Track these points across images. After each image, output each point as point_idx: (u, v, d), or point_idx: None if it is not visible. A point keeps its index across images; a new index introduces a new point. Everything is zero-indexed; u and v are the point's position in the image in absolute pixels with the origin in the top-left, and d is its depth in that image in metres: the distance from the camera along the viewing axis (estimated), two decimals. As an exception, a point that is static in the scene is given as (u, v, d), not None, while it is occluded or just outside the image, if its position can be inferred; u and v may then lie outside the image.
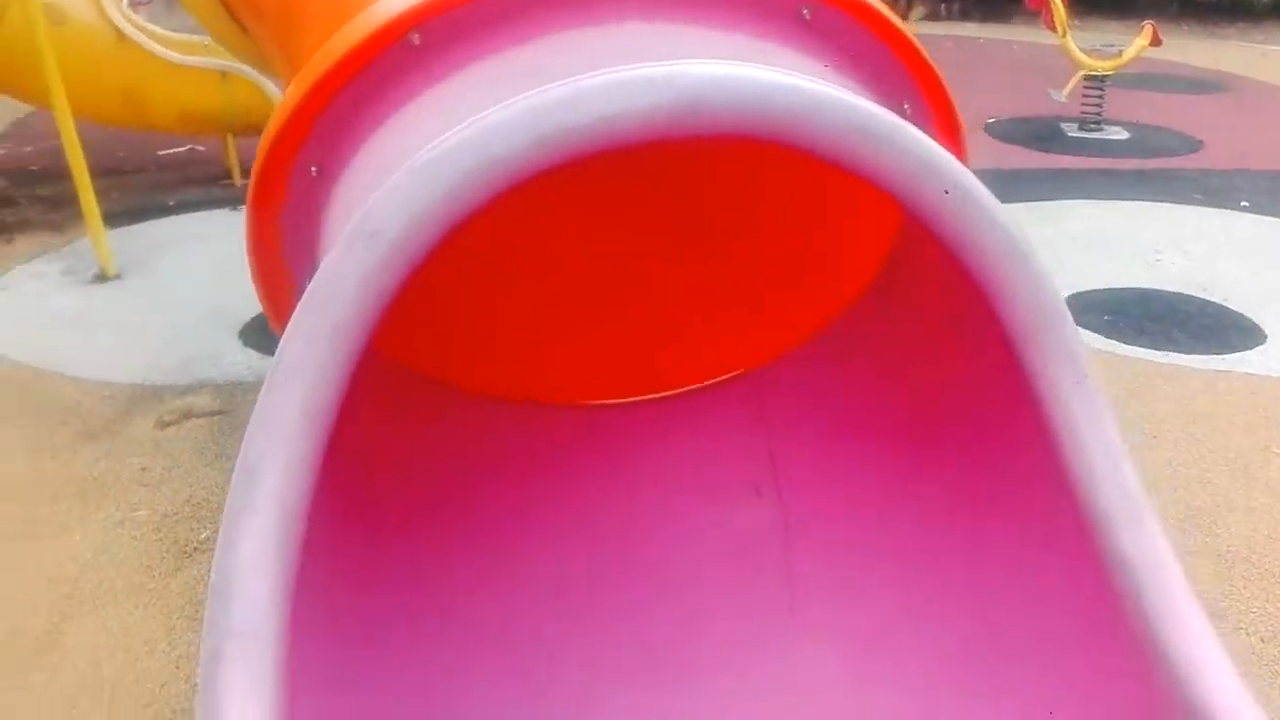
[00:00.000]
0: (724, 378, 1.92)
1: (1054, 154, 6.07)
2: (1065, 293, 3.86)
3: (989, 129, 6.63)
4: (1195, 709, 1.01)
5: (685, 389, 1.92)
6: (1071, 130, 6.56)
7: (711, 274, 1.93)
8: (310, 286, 1.09)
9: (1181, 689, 1.03)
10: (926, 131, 1.20)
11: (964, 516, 1.49)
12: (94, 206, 3.99)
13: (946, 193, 1.14)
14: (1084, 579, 1.20)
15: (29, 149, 5.69)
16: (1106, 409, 1.20)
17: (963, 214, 1.15)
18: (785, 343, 1.88)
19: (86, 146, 3.91)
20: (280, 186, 1.41)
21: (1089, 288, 3.97)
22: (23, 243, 4.44)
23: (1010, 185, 5.21)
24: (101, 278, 4.05)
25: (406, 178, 1.05)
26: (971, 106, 6.33)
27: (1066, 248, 4.41)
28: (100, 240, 4.09)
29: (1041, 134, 6.51)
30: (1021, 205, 4.94)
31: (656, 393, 1.91)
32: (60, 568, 2.37)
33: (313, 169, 1.40)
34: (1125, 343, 3.50)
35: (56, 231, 4.54)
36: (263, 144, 1.38)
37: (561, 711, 1.57)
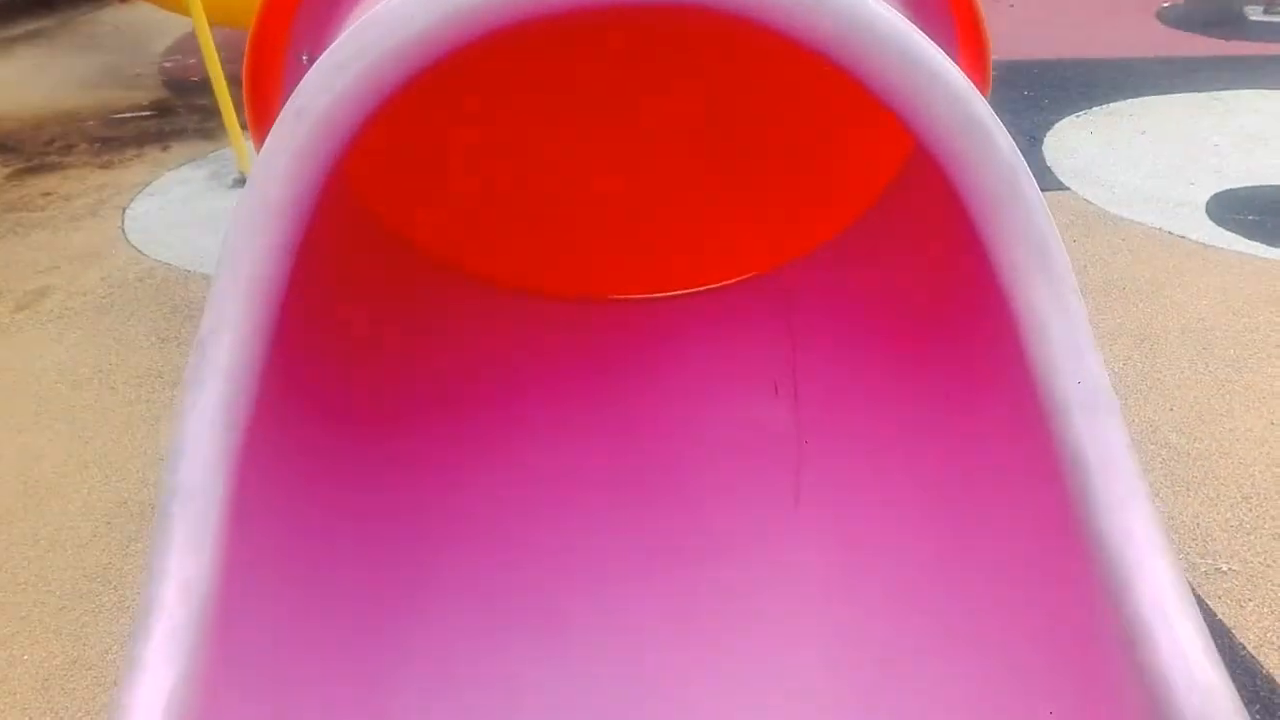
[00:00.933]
0: (748, 277, 1.89)
1: (1233, 40, 5.51)
2: (1212, 190, 3.56)
3: (1161, 15, 6.08)
4: (1128, 609, 0.96)
5: (711, 286, 1.90)
6: (1255, 13, 5.93)
7: (737, 174, 1.89)
8: (253, 166, 1.14)
9: (1116, 587, 0.97)
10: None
11: (962, 423, 1.43)
12: (232, 114, 4.21)
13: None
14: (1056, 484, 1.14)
15: (192, 61, 6.02)
16: (1073, 295, 1.12)
17: (907, 76, 1.08)
18: (808, 244, 1.84)
19: (234, 57, 4.12)
20: (275, 76, 1.46)
21: (1240, 185, 3.63)
22: (177, 150, 4.75)
23: (1179, 74, 4.79)
24: (240, 182, 4.31)
25: (327, 56, 1.07)
26: (1145, -10, 5.83)
27: (1227, 141, 4.04)
28: (240, 146, 4.32)
29: (1220, 19, 5.91)
30: (1184, 95, 4.54)
31: (681, 289, 1.90)
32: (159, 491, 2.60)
33: (304, 57, 1.44)
34: (1270, 244, 3.20)
35: (207, 139, 4.83)
36: (253, 34, 1.44)
37: (570, 603, 1.62)
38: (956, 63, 1.15)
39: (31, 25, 7.36)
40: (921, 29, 1.14)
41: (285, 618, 1.24)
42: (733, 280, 1.92)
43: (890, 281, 1.70)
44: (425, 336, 1.78)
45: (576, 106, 1.84)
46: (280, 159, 1.10)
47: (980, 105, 1.09)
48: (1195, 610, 0.94)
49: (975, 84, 1.16)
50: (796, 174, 1.86)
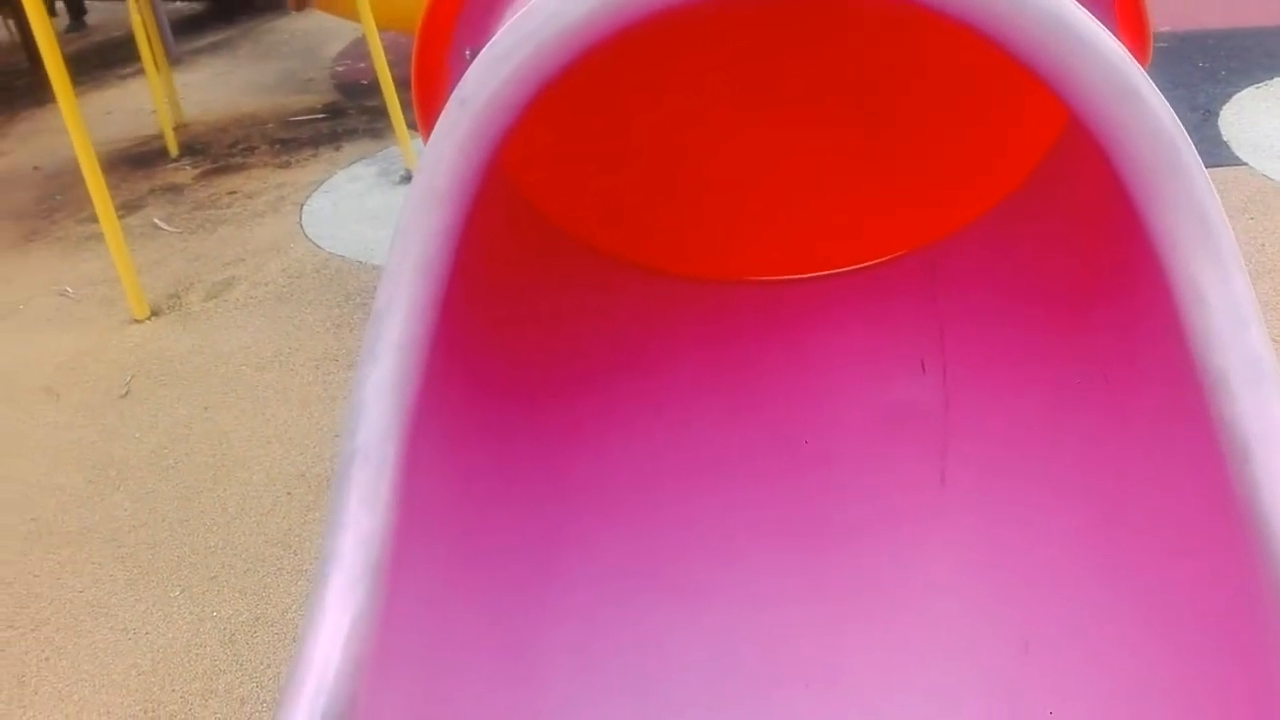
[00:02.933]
0: (895, 256, 1.88)
1: None
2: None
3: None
4: (1286, 586, 0.93)
5: (856, 266, 1.90)
6: None
7: (884, 151, 1.88)
8: (421, 155, 1.22)
9: (1275, 562, 0.94)
10: None
11: (1112, 401, 1.40)
12: (399, 113, 4.43)
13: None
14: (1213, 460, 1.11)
15: (362, 65, 6.34)
16: (1236, 265, 1.08)
17: (1061, 46, 1.06)
18: (957, 221, 1.81)
19: (399, 60, 4.34)
20: (441, 74, 1.55)
21: None
22: (348, 150, 5.02)
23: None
24: (407, 178, 4.52)
25: (488, 49, 1.14)
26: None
27: None
28: (406, 144, 4.54)
29: None
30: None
31: (827, 270, 1.91)
32: (338, 458, 2.78)
33: (467, 52, 1.52)
34: None
35: (376, 139, 5.09)
36: (420, 33, 1.53)
37: (708, 577, 1.66)
38: (1113, 31, 1.12)
39: (215, 37, 7.90)
40: (1077, -1, 1.13)
41: (441, 572, 1.32)
42: (879, 259, 1.91)
43: (1040, 259, 1.66)
44: (572, 316, 1.85)
45: (723, 85, 1.86)
46: (445, 147, 1.18)
47: (1136, 72, 1.07)
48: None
49: (1133, 53, 1.14)
50: (945, 150, 1.84)
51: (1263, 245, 2.99)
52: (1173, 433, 1.21)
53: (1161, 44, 4.93)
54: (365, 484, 1.15)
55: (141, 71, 5.49)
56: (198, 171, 5.00)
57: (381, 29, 4.50)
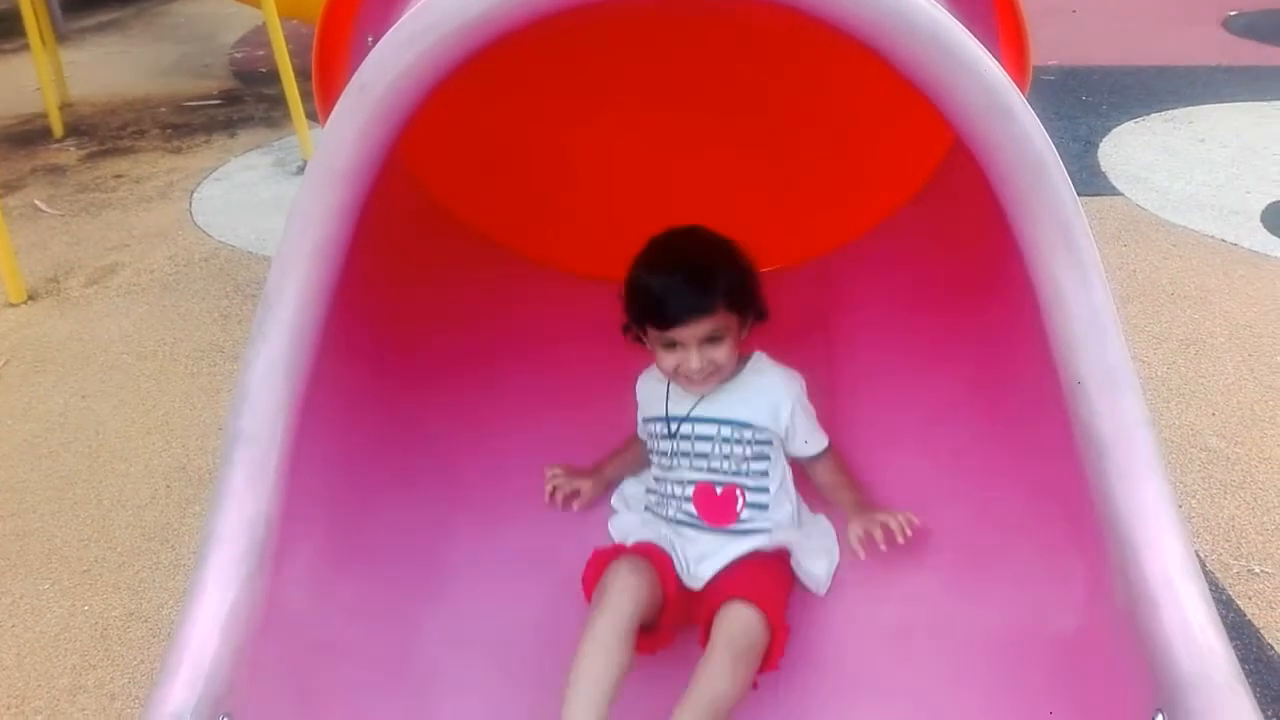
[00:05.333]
0: (789, 265, 1.94)
1: (1302, 50, 5.42)
2: (1269, 198, 3.52)
3: (1228, 23, 5.99)
4: (1134, 580, 0.99)
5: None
6: (1326, 23, 5.82)
7: (783, 165, 1.94)
8: (321, 137, 1.21)
9: (1126, 558, 1.01)
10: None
11: (984, 407, 1.47)
12: (298, 103, 4.34)
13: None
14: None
15: (261, 53, 6.18)
16: (1097, 276, 1.16)
17: (942, 65, 1.12)
18: (846, 234, 1.88)
19: (300, 50, 4.24)
20: (342, 61, 1.54)
21: (1297, 197, 3.59)
22: (243, 138, 4.89)
23: (1242, 83, 4.73)
24: (304, 169, 4.43)
25: (389, 36, 1.14)
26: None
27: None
28: (304, 134, 4.45)
29: (1290, 28, 5.82)
30: (1246, 104, 4.48)
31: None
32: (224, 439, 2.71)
33: (369, 39, 1.52)
34: (1325, 256, 3.16)
35: (273, 128, 4.96)
36: (323, 19, 1.52)
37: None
38: (997, 57, 1.19)
39: (107, 16, 7.60)
40: (963, 24, 1.19)
41: (326, 559, 1.31)
42: (774, 268, 1.96)
43: (924, 272, 1.74)
44: (468, 309, 1.86)
45: (627, 89, 1.89)
46: (344, 130, 1.17)
47: (1011, 92, 1.13)
48: (1201, 581, 0.97)
49: (1014, 78, 1.20)
50: (840, 165, 1.90)
51: (1134, 271, 3.16)
52: (1038, 434, 1.28)
53: (1049, 77, 5.16)
54: (250, 467, 1.14)
55: (26, 47, 5.25)
56: (83, 153, 4.81)
57: (283, 17, 4.40)
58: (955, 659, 1.35)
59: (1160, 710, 0.91)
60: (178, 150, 4.76)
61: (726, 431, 1.61)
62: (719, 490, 1.60)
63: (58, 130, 5.05)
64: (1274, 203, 3.52)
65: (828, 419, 1.68)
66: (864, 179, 1.88)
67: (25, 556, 2.24)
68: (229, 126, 5.03)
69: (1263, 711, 0.91)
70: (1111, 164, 3.95)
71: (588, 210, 1.99)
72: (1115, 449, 1.06)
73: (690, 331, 1.54)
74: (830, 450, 1.66)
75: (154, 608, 2.08)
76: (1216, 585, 1.96)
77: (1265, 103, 4.55)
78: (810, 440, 1.65)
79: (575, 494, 1.72)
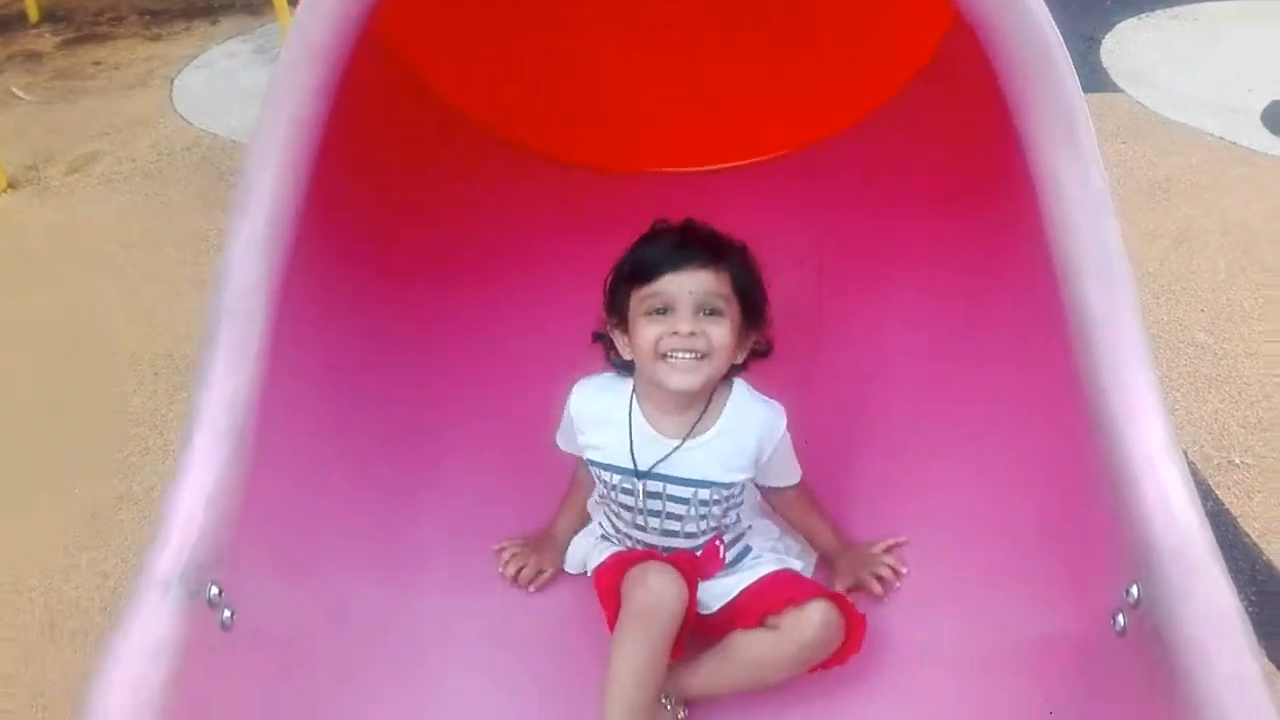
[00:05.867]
0: (783, 154, 1.91)
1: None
2: (1270, 97, 3.46)
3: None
4: (1119, 456, 1.00)
5: (746, 162, 1.92)
6: (1340, -85, 5.63)
7: (775, 52, 1.90)
8: (296, 15, 1.17)
9: (1111, 437, 1.01)
10: None
11: (980, 293, 1.47)
12: (279, -13, 4.21)
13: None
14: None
15: (242, -63, 5.96)
16: (1095, 165, 1.14)
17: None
18: (841, 123, 1.85)
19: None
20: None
21: (1300, 93, 3.53)
22: (225, 24, 4.75)
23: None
24: (287, 57, 4.31)
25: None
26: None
27: (1289, 48, 3.90)
28: (286, 20, 4.31)
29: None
30: (1249, 3, 4.37)
31: (718, 164, 1.93)
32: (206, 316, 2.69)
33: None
34: (1323, 153, 3.12)
35: (254, 15, 4.82)
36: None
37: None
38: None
39: (81, -106, 7.29)
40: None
41: (311, 439, 1.32)
42: (768, 156, 1.93)
43: (918, 159, 1.71)
44: (464, 201, 1.83)
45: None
46: (318, 5, 1.13)
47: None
48: (1181, 461, 0.98)
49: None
50: (832, 53, 1.86)
51: (1131, 169, 3.12)
52: (1032, 321, 1.27)
53: (1052, -31, 5.01)
54: (233, 345, 1.13)
55: (-4, -73, 5.07)
56: (60, 39, 4.67)
57: (263, -105, 4.24)
58: (941, 539, 1.38)
59: (1135, 583, 0.93)
60: (157, 37, 4.63)
61: (704, 494, 1.36)
62: (699, 553, 1.40)
63: (33, 15, 4.90)
64: (1275, 101, 3.46)
65: (819, 316, 1.67)
66: (853, 69, 1.84)
67: (13, 442, 2.25)
68: (210, 13, 4.89)
69: (1238, 594, 0.92)
70: (1114, 60, 3.87)
71: (580, 97, 1.95)
72: (1104, 332, 1.05)
73: (686, 282, 1.30)
74: (802, 482, 1.46)
75: (144, 490, 2.09)
76: (1197, 476, 1.98)
77: (1270, 1, 4.44)
78: (785, 475, 1.45)
79: (538, 575, 1.48)
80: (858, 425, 1.59)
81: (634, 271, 1.35)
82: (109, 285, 2.79)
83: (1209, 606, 0.85)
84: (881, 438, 1.56)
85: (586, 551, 1.48)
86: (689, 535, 1.39)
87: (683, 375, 1.31)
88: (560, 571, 1.52)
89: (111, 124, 3.78)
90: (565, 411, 1.45)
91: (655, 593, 1.24)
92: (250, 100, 3.90)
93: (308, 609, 1.20)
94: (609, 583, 1.32)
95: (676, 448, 1.36)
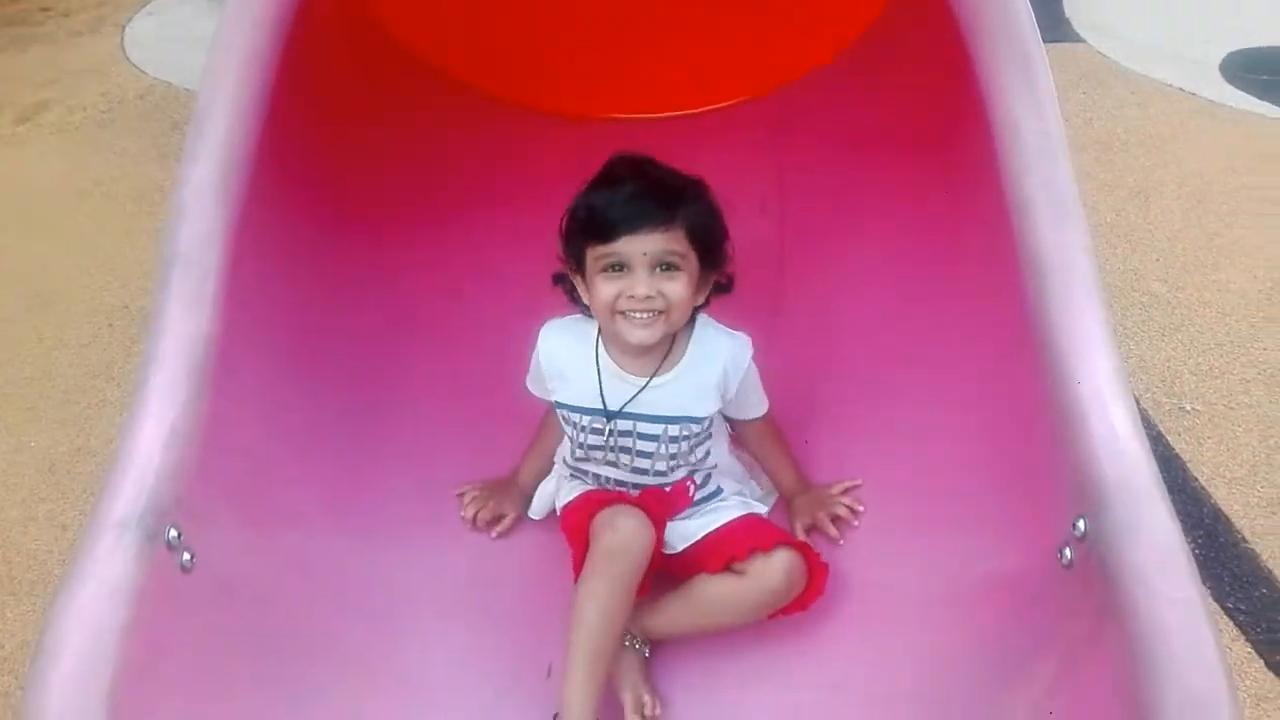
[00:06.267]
0: (742, 100, 1.90)
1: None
2: (1229, 48, 3.49)
3: None
4: (1069, 392, 1.02)
5: (706, 109, 1.92)
6: None
7: (733, 1, 1.88)
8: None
9: (1060, 373, 1.03)
10: None
11: (925, 228, 1.48)
12: (232, -69, 4.09)
13: None
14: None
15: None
16: (1051, 108, 1.15)
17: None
18: (800, 69, 1.84)
19: None
20: None
21: (1258, 45, 3.56)
22: (177, -30, 4.61)
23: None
24: (241, 4, 4.21)
25: None
26: None
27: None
28: (240, -34, 4.21)
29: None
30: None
31: (677, 111, 1.92)
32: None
33: None
34: (1271, 101, 3.15)
35: (208, -40, 4.69)
36: None
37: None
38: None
39: None
40: None
41: (271, 382, 1.31)
42: (727, 103, 1.92)
43: (879, 104, 1.71)
44: (426, 148, 1.81)
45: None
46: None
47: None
48: (1129, 397, 1.00)
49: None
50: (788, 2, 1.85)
51: (1091, 119, 3.14)
52: (987, 261, 1.29)
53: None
54: (187, 288, 1.12)
55: None
56: (4, -16, 4.53)
57: None
58: (898, 478, 1.40)
59: (1082, 516, 0.95)
60: (107, -19, 4.50)
61: (674, 430, 1.37)
62: (669, 489, 1.41)
63: (-24, -42, 4.73)
64: (1233, 52, 3.49)
65: (781, 260, 1.67)
66: (812, 13, 1.83)
67: (-34, 395, 2.21)
68: (161, -42, 4.74)
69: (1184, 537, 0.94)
70: (1076, 11, 3.88)
71: (540, 42, 1.92)
72: (1056, 271, 1.07)
73: (641, 243, 1.28)
74: (769, 416, 1.48)
75: (101, 443, 2.07)
76: (1149, 422, 2.02)
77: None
78: (753, 406, 1.46)
79: (499, 519, 1.47)
80: (820, 367, 1.61)
81: (588, 227, 1.33)
82: (62, 237, 2.74)
83: (1153, 537, 0.88)
84: (843, 379, 1.58)
85: (553, 493, 1.48)
86: (659, 473, 1.40)
87: (641, 330, 1.31)
88: (523, 518, 1.52)
89: (62, 72, 3.69)
90: (534, 354, 1.44)
91: (624, 535, 1.26)
92: (203, 47, 3.80)
93: (269, 555, 1.20)
94: (577, 521, 1.33)
95: (644, 387, 1.37)
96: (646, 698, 1.29)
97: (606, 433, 1.38)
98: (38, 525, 1.91)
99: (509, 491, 1.51)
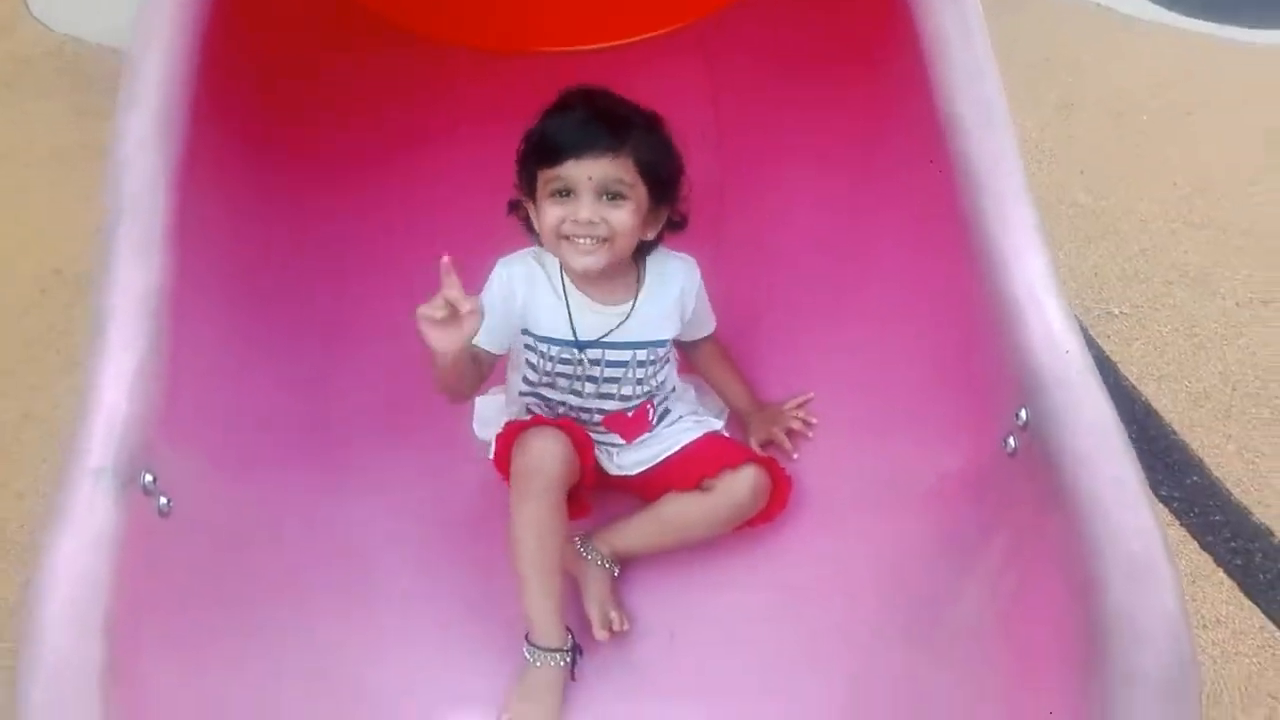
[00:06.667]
0: (674, 28, 1.91)
1: None
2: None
3: None
4: (1002, 292, 1.07)
5: (636, 39, 1.92)
6: None
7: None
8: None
9: (995, 273, 1.08)
10: None
11: (860, 147, 1.52)
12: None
13: None
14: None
15: None
16: (977, 23, 1.19)
17: None
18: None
19: None
20: None
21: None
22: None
23: None
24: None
25: None
26: None
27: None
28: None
29: None
30: None
31: (608, 42, 1.92)
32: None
33: None
34: (1194, 18, 3.24)
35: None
36: None
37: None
38: None
39: None
40: None
41: (233, 327, 1.31)
42: (657, 32, 1.93)
43: (809, 27, 1.74)
44: (356, 83, 1.79)
45: None
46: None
47: None
48: (1062, 294, 1.06)
49: None
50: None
51: (1015, 40, 3.18)
52: (918, 175, 1.33)
53: None
54: (134, 239, 1.12)
55: None
56: (-111, -59, 4.30)
57: None
58: (847, 387, 1.46)
59: (1023, 407, 1.01)
60: (1, -67, 4.30)
61: (642, 355, 1.41)
62: (630, 414, 1.45)
63: None
64: (1148, -34, 3.55)
65: (721, 188, 1.70)
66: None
67: (-96, 372, 2.16)
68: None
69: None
70: (994, -69, 3.91)
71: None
72: (988, 178, 1.12)
73: (586, 168, 1.29)
74: (715, 336, 1.54)
75: (48, 408, 2.05)
76: (1079, 326, 2.10)
77: None
78: (704, 325, 1.51)
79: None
80: (764, 290, 1.65)
81: (539, 151, 1.35)
82: (-20, 205, 2.66)
83: (1090, 420, 0.94)
84: (787, 300, 1.63)
85: (494, 418, 1.48)
86: (624, 398, 1.44)
87: (584, 256, 1.33)
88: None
89: (-39, 34, 3.53)
90: (488, 291, 1.39)
91: (533, 455, 1.30)
92: (117, 2, 3.68)
93: (243, 502, 1.22)
94: (500, 450, 1.37)
95: (622, 322, 1.40)
96: (614, 614, 1.34)
97: (575, 362, 1.40)
98: (-9, 495, 1.89)
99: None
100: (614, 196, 1.32)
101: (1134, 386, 2.00)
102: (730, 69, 1.86)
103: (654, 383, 1.45)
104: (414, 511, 1.44)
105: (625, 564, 1.41)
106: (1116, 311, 2.16)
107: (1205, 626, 1.64)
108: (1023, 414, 1.01)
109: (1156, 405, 1.97)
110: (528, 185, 1.39)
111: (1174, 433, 1.92)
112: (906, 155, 1.39)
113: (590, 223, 1.31)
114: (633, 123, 1.36)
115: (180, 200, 1.15)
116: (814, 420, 1.50)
